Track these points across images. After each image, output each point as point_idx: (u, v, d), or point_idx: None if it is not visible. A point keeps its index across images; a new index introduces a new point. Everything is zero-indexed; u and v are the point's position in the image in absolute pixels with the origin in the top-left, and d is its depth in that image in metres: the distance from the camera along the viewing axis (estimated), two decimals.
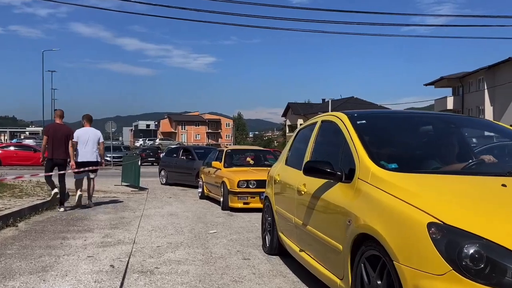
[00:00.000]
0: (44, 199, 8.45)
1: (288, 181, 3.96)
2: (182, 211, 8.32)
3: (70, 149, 7.82)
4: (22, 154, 24.70)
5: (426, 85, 48.63)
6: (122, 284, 3.59)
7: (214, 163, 9.56)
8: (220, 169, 9.33)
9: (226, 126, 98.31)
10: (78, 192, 8.29)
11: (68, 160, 7.96)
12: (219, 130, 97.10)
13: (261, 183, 8.26)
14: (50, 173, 7.84)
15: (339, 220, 2.65)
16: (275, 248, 4.47)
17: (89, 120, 8.45)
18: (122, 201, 9.67)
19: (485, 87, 37.03)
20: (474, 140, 3.62)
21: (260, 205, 8.26)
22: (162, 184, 14.63)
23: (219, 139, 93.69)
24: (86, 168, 8.18)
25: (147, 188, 12.79)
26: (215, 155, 10.57)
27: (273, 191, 4.47)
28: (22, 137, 67.62)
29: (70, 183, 8.72)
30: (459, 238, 1.82)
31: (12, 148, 26.20)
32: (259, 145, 58.52)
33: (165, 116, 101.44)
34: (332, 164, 2.86)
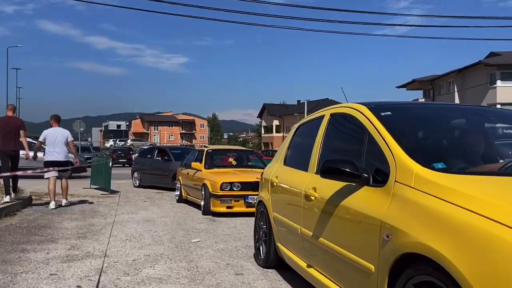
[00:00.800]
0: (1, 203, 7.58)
1: (290, 184, 3.39)
2: (159, 216, 7.62)
3: (23, 139, 8.13)
4: None
5: (398, 87, 49.34)
6: None
7: (194, 164, 8.90)
8: (201, 171, 8.69)
9: (201, 127, 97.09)
10: (64, 201, 8.56)
11: (23, 153, 8.28)
12: (193, 131, 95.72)
13: (245, 186, 7.69)
14: (7, 174, 7.81)
15: (370, 233, 2.10)
16: (272, 261, 3.90)
17: (57, 120, 8.43)
18: (92, 206, 8.87)
19: (455, 90, 37.82)
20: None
21: (244, 209, 7.68)
22: (135, 186, 13.80)
23: (193, 140, 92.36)
24: (56, 168, 8.20)
25: (118, 191, 11.96)
26: (194, 156, 9.90)
27: (270, 196, 3.89)
28: None
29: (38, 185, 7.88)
30: None
31: None
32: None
33: (137, 117, 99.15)
34: (355, 164, 2.32)
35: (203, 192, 8.08)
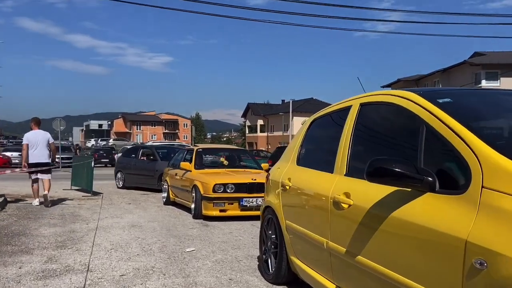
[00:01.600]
0: None
1: (310, 188, 2.87)
2: (147, 221, 7.02)
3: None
4: None
5: (383, 87, 49.65)
6: None
7: (183, 164, 8.30)
8: (190, 171, 8.10)
9: (184, 127, 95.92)
10: (36, 200, 8.49)
11: None
12: (177, 131, 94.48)
13: (240, 187, 7.15)
14: None
15: (447, 258, 1.60)
16: (284, 276, 3.37)
17: (37, 123, 8.57)
18: (72, 209, 8.19)
19: None
20: None
21: (238, 213, 7.14)
22: (118, 187, 13.08)
23: (177, 140, 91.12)
24: (39, 169, 8.30)
25: (101, 193, 11.26)
26: (182, 155, 9.30)
27: (281, 201, 3.37)
28: None
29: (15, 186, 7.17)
30: None
31: None
32: None
33: (119, 116, 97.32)
34: (413, 165, 1.82)
35: (193, 194, 7.50)
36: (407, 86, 46.82)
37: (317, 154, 3.18)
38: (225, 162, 8.84)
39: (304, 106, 57.12)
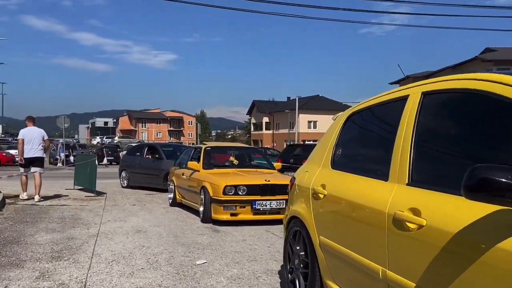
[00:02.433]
0: None
1: (355, 198, 2.31)
2: (152, 225, 6.50)
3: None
4: None
5: (391, 83, 48.82)
6: None
7: (191, 164, 7.77)
8: (198, 171, 7.56)
9: (189, 124, 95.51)
10: (36, 197, 8.68)
11: None
12: (182, 128, 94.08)
13: (252, 189, 6.61)
14: None
15: None
16: None
17: (31, 121, 8.96)
18: (73, 211, 7.70)
19: None
20: None
21: (251, 217, 6.59)
22: (123, 187, 12.60)
23: (182, 137, 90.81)
24: (32, 170, 8.67)
25: (105, 193, 10.77)
26: (189, 154, 8.76)
27: (312, 212, 2.81)
28: None
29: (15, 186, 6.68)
30: None
31: None
32: None
33: (125, 113, 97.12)
34: None
35: (202, 197, 6.97)
36: (416, 82, 45.96)
37: (361, 157, 2.62)
38: (235, 162, 8.29)
39: (310, 103, 56.47)
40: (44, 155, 8.99)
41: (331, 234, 2.56)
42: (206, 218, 6.74)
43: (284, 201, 6.70)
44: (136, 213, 7.71)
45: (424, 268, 1.68)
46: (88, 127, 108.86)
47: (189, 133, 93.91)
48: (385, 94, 2.46)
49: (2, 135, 53.32)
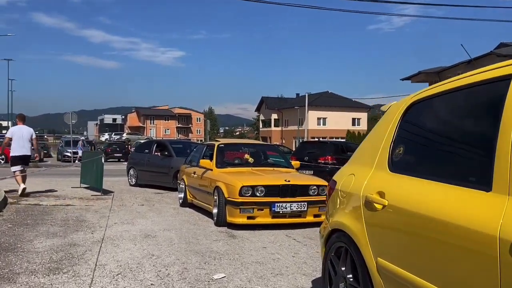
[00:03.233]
0: None
1: (440, 214, 1.72)
2: (162, 228, 5.97)
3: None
4: None
5: (402, 79, 47.96)
6: None
7: (203, 162, 7.22)
8: (211, 170, 7.02)
9: (197, 121, 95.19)
10: (22, 185, 8.83)
11: None
12: (190, 125, 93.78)
13: (271, 190, 6.05)
14: None
15: None
16: None
17: (22, 119, 9.25)
18: (78, 212, 7.21)
19: None
20: None
21: (270, 220, 6.03)
22: (131, 185, 12.13)
23: (190, 134, 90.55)
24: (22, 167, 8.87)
25: (112, 192, 10.30)
26: (201, 152, 8.21)
27: (366, 226, 2.24)
28: None
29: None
30: None
31: None
32: None
33: (133, 110, 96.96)
34: None
35: (215, 197, 6.43)
36: (428, 78, 44.87)
37: (435, 157, 2.03)
38: (250, 160, 7.73)
39: (320, 100, 55.61)
40: (32, 153, 9.26)
41: (396, 257, 1.98)
42: (220, 221, 6.20)
43: (306, 203, 6.14)
44: (145, 215, 7.20)
45: None
46: (96, 124, 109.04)
47: (197, 130, 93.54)
48: (471, 75, 1.87)
49: None
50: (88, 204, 8.23)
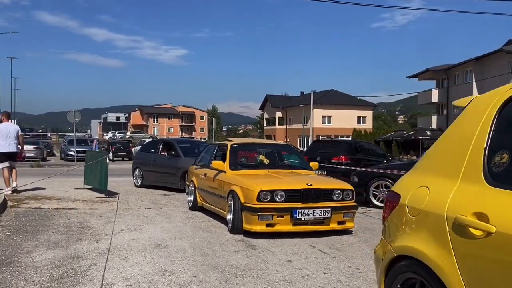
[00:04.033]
0: None
1: None
2: (173, 236, 5.47)
3: None
4: None
5: (409, 77, 47.33)
6: None
7: (215, 163, 6.70)
8: (225, 172, 6.50)
9: (201, 119, 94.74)
10: (14, 183, 9.14)
11: None
12: (193, 123, 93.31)
13: (292, 195, 5.53)
14: None
15: None
16: None
17: (7, 117, 9.41)
18: (82, 217, 6.72)
19: (473, 80, 35.66)
20: None
21: (290, 228, 5.50)
22: (136, 186, 11.65)
23: (193, 133, 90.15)
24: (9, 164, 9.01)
25: (117, 193, 9.81)
26: (212, 152, 7.70)
27: (456, 257, 1.72)
28: None
29: None
30: None
31: None
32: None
33: (136, 109, 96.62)
34: None
35: (230, 202, 5.92)
36: (436, 76, 44.07)
37: None
38: (266, 161, 7.21)
39: (325, 98, 54.94)
40: (19, 150, 9.38)
41: None
42: (236, 229, 5.69)
43: (330, 209, 5.61)
44: (153, 220, 6.70)
45: None
46: (100, 122, 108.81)
47: (200, 128, 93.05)
48: None
49: None
50: (92, 208, 7.74)
